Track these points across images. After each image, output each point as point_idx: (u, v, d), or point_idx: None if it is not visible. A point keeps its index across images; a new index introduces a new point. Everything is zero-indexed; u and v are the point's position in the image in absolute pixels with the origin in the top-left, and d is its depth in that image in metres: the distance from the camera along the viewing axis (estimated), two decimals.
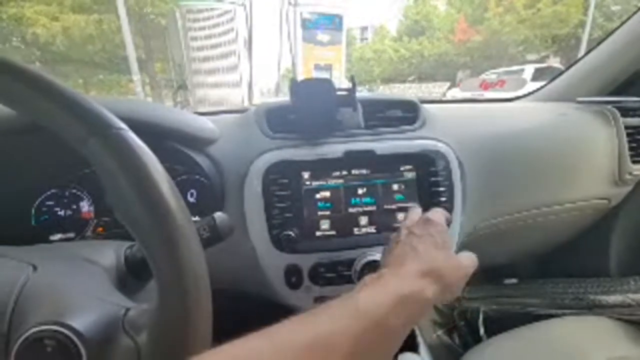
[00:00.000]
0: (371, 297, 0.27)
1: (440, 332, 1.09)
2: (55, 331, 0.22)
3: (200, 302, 0.21)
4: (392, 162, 0.56)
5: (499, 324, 0.85)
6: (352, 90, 0.53)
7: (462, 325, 1.03)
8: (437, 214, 0.41)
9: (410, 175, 0.56)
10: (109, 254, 0.33)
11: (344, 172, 0.55)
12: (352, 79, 0.53)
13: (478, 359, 0.62)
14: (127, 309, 0.25)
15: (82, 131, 0.21)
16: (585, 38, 9.94)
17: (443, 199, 0.56)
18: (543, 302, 0.83)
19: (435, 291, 0.30)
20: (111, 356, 0.22)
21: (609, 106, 0.76)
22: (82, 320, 0.23)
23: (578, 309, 0.77)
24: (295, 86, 0.51)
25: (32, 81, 0.21)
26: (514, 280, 0.99)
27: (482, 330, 0.91)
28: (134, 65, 7.71)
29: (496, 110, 0.82)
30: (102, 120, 0.22)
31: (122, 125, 0.22)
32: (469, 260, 0.36)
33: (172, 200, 0.22)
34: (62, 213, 0.54)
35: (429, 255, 0.33)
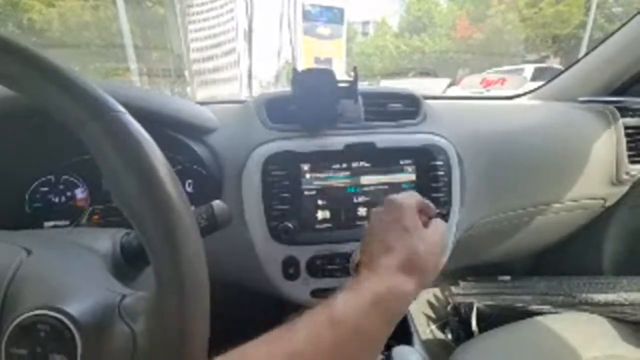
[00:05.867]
0: (346, 302, 0.26)
1: (433, 327, 1.10)
2: (49, 316, 0.21)
3: (197, 290, 0.21)
4: (392, 156, 0.55)
5: (492, 320, 0.87)
6: (354, 82, 0.52)
7: (455, 321, 1.04)
8: (402, 194, 0.38)
9: (410, 169, 0.56)
10: (105, 241, 0.33)
11: (344, 165, 0.54)
12: (354, 70, 0.52)
13: (470, 353, 0.62)
14: (123, 296, 0.24)
15: (80, 113, 0.21)
16: (586, 39, 9.93)
17: (441, 194, 0.55)
18: (536, 299, 0.84)
19: (412, 283, 0.29)
20: (106, 342, 0.22)
21: (609, 106, 0.76)
22: (77, 306, 0.22)
23: (571, 307, 0.78)
24: (296, 76, 0.50)
25: (28, 59, 0.20)
26: (507, 277, 1.00)
27: (474, 326, 0.92)
28: (131, 54, 7.59)
29: (497, 108, 0.82)
30: (101, 103, 0.21)
31: (121, 108, 0.22)
32: (438, 233, 0.34)
33: (170, 187, 0.21)
34: (56, 200, 0.54)
35: (400, 244, 0.31)
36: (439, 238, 0.34)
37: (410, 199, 0.37)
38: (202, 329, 0.21)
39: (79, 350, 0.21)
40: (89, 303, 0.23)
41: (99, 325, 0.22)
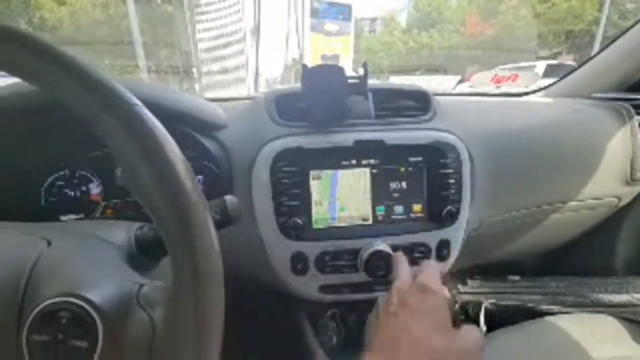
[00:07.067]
0: None
1: None
2: (71, 303, 0.22)
3: (213, 280, 0.22)
4: (401, 153, 0.55)
5: (501, 319, 0.86)
6: (363, 78, 0.52)
7: (462, 320, 1.04)
8: (433, 276, 0.34)
9: (420, 166, 0.56)
10: (120, 233, 0.33)
11: (353, 162, 0.54)
12: (364, 66, 0.52)
13: None
14: (141, 285, 0.25)
15: (95, 106, 0.21)
16: (599, 35, 9.67)
17: (452, 191, 0.55)
18: (546, 299, 0.83)
19: None
20: (126, 329, 0.23)
21: (624, 103, 0.75)
22: (98, 293, 0.23)
23: (582, 307, 0.76)
24: (306, 72, 0.50)
25: (45, 52, 0.20)
26: (517, 277, 0.99)
27: (483, 325, 0.91)
28: (140, 51, 7.67)
29: (508, 105, 0.81)
30: (117, 96, 0.21)
31: (137, 101, 0.22)
32: (473, 339, 0.29)
33: (186, 179, 0.22)
34: (71, 194, 0.55)
35: (428, 342, 0.27)
36: (473, 344, 0.29)
37: (438, 280, 0.33)
38: (218, 318, 0.22)
39: (100, 337, 0.22)
40: (109, 291, 0.24)
41: (120, 312, 0.23)
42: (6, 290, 0.23)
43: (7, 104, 0.44)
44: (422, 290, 0.32)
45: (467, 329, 0.30)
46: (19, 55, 0.20)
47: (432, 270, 0.36)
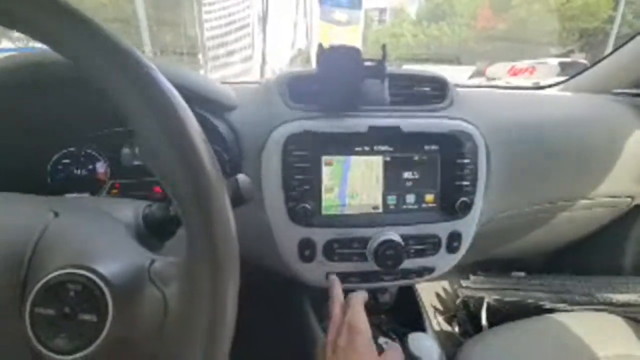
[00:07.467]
0: None
1: (440, 319, 1.09)
2: (79, 275, 0.21)
3: (229, 255, 0.21)
4: (417, 141, 0.54)
5: (502, 316, 0.85)
6: (382, 62, 0.50)
7: (463, 314, 1.03)
8: (359, 315, 0.41)
9: (435, 155, 0.54)
10: (127, 210, 0.33)
11: (367, 148, 0.53)
12: (383, 48, 0.50)
13: (480, 347, 0.62)
14: (153, 260, 0.24)
15: (111, 68, 0.20)
16: (613, 34, 9.47)
17: (466, 182, 0.54)
18: (550, 297, 0.82)
19: None
20: (137, 304, 0.22)
21: None
22: (108, 266, 0.22)
23: (586, 305, 0.76)
24: (322, 53, 0.49)
25: (56, 9, 0.19)
26: (521, 274, 0.98)
27: (484, 320, 0.91)
28: (146, 36, 7.59)
29: (527, 98, 0.79)
30: (133, 58, 0.20)
31: (153, 65, 0.21)
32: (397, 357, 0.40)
33: (205, 156, 0.20)
34: (77, 172, 0.54)
35: None
36: None
37: (363, 317, 0.41)
38: (233, 296, 0.21)
39: (110, 311, 0.21)
40: (119, 264, 0.23)
41: (130, 286, 0.22)
42: (11, 260, 0.22)
43: (11, 78, 0.42)
44: (350, 330, 0.40)
45: (391, 353, 0.40)
46: (32, 13, 0.19)
47: (358, 308, 0.43)
